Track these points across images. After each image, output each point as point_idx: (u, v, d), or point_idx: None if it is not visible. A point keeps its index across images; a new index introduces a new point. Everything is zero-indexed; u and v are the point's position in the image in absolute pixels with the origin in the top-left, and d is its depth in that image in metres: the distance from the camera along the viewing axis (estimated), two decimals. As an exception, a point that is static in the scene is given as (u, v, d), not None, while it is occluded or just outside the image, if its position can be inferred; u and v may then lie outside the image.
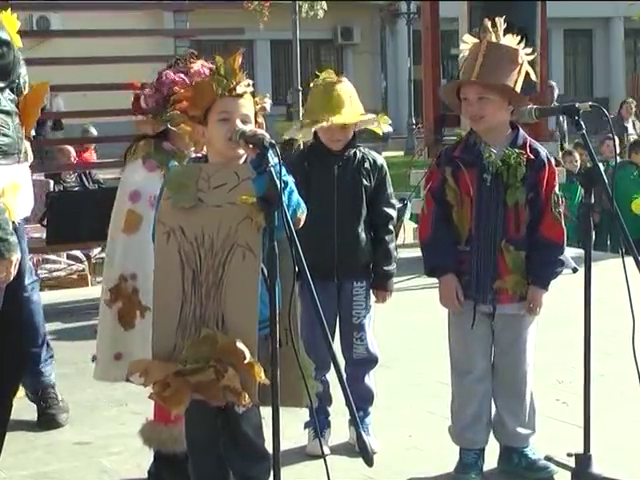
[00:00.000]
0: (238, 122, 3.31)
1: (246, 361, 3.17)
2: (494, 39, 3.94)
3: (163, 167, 3.90)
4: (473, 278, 3.98)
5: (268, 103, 3.44)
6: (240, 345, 3.19)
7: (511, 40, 3.98)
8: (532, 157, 3.97)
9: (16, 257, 3.35)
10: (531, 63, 4.04)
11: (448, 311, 4.14)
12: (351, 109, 4.26)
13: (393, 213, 4.47)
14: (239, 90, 3.31)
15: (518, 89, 3.96)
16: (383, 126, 4.37)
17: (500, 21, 3.98)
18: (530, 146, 4.01)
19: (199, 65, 3.92)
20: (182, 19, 10.77)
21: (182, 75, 3.93)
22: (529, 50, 4.03)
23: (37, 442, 4.53)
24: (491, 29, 3.95)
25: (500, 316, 4.02)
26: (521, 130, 4.05)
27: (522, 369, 4.10)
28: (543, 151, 4.06)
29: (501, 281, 3.98)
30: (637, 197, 10.34)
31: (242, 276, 3.24)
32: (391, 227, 4.47)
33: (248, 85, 3.36)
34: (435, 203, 4.02)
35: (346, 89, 4.29)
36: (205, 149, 3.45)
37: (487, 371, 4.09)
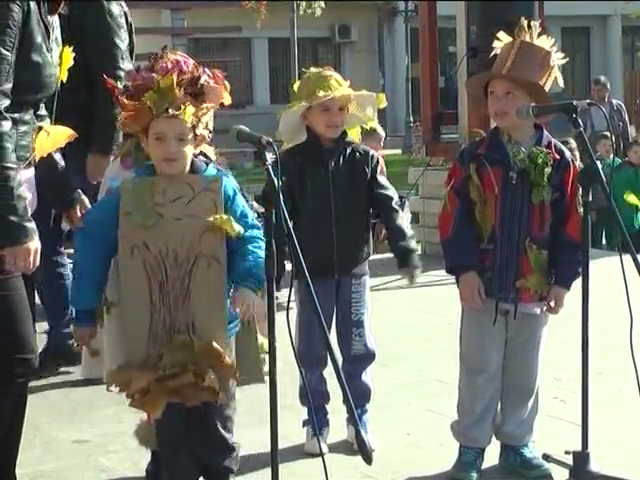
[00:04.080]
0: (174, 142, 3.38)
1: (224, 362, 3.31)
2: (528, 39, 3.95)
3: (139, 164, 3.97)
4: (496, 276, 3.97)
5: (210, 113, 3.50)
6: (217, 346, 3.31)
7: (545, 42, 4.00)
8: (558, 157, 3.99)
9: (34, 245, 3.42)
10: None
11: (462, 310, 4.12)
12: (347, 88, 4.28)
13: (391, 193, 4.37)
14: (172, 112, 3.39)
15: (546, 90, 3.98)
16: (374, 123, 4.39)
17: (536, 24, 4.00)
18: (555, 146, 4.03)
19: (164, 61, 3.91)
20: (180, 17, 10.80)
21: (143, 74, 3.94)
22: (561, 55, 4.05)
23: (35, 440, 4.53)
24: (527, 29, 3.96)
25: (517, 315, 4.01)
26: (545, 130, 4.07)
27: (533, 368, 4.11)
28: (567, 152, 4.08)
29: (524, 280, 3.98)
30: (629, 193, 10.37)
31: (208, 283, 3.36)
32: (395, 206, 4.35)
33: (184, 103, 3.42)
34: (458, 200, 3.99)
35: (339, 75, 4.32)
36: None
37: (499, 370, 4.09)
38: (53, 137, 3.68)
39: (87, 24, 5.25)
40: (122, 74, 5.13)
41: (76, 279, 3.54)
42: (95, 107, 5.24)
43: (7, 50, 3.39)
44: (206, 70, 3.83)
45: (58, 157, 3.88)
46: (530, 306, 4.04)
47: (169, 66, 3.83)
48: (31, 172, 3.66)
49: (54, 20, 3.67)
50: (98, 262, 3.46)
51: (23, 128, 3.54)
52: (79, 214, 3.95)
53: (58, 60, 3.68)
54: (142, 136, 3.47)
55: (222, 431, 3.59)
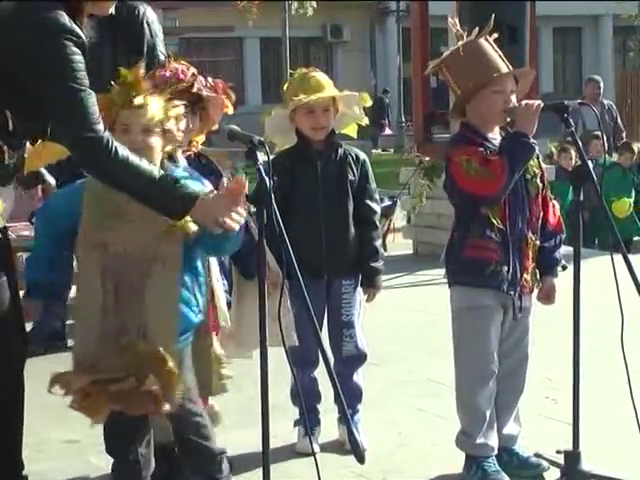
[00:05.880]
0: (139, 133, 3.37)
1: (167, 367, 3.25)
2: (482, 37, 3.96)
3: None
4: (511, 270, 3.90)
5: (180, 108, 3.49)
6: (162, 351, 3.27)
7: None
8: None
9: None
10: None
11: (456, 312, 4.01)
12: (331, 90, 4.28)
13: (377, 208, 4.44)
14: (137, 102, 3.38)
15: None
16: (364, 119, 4.40)
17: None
18: None
19: (165, 69, 3.91)
20: (172, 17, 10.79)
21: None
22: None
23: (26, 440, 4.51)
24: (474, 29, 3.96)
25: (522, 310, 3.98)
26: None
27: (526, 365, 4.08)
28: None
29: (526, 273, 3.97)
30: (616, 199, 10.33)
31: (162, 288, 3.34)
32: (377, 222, 4.43)
33: (152, 94, 3.42)
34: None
35: (323, 75, 4.32)
36: None
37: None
38: (46, 152, 3.69)
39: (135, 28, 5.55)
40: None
41: (31, 252, 3.66)
42: None
43: (84, 86, 3.32)
44: (209, 80, 3.82)
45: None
46: (530, 299, 4.03)
47: (167, 74, 3.84)
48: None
49: None
50: (52, 242, 3.49)
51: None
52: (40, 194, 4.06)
53: None
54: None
55: (198, 440, 3.53)
